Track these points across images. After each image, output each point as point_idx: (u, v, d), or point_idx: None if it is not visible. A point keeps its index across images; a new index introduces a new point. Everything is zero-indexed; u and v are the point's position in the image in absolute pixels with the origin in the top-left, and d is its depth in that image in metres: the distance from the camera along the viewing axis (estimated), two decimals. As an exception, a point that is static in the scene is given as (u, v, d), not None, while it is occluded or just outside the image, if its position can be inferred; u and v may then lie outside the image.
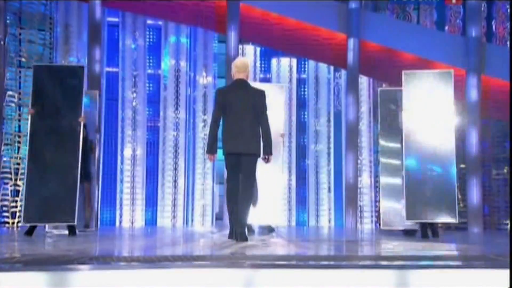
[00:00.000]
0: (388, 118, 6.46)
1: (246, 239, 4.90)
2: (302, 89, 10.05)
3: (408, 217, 5.70)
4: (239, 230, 4.88)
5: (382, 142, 6.51)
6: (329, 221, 9.59)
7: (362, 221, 9.48)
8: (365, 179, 9.68)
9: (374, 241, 5.41)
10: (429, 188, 5.75)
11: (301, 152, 9.77)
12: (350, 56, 9.01)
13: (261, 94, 5.05)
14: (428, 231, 5.78)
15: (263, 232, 6.47)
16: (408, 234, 6.13)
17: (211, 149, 5.11)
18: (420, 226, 5.84)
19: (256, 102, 4.98)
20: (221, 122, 5.07)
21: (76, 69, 5.87)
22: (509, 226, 5.49)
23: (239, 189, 4.99)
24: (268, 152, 5.05)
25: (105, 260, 3.00)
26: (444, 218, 5.69)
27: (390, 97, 6.48)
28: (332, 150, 9.71)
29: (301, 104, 9.97)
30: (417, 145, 5.85)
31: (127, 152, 9.14)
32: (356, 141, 9.21)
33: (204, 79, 9.40)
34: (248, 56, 9.75)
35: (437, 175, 5.77)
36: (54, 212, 5.39)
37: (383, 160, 6.45)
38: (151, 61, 9.60)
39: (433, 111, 5.84)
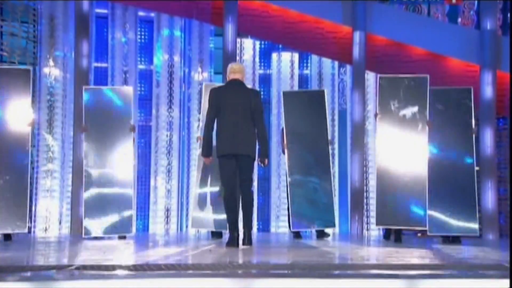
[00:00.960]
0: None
1: (252, 243, 4.99)
2: (305, 86, 10.09)
3: (377, 223, 6.35)
4: (247, 233, 4.97)
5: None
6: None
7: (369, 227, 9.52)
8: (372, 183, 9.73)
9: (381, 248, 5.46)
10: (399, 194, 6.31)
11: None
12: (356, 51, 9.05)
13: (257, 94, 5.21)
14: (392, 236, 6.45)
15: (319, 236, 6.80)
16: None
17: (207, 152, 5.21)
18: (387, 231, 6.54)
19: (252, 102, 5.11)
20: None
21: (22, 72, 6.21)
22: (509, 227, 5.83)
23: (237, 195, 5.09)
24: (265, 155, 5.17)
25: (91, 268, 3.05)
26: (413, 225, 6.33)
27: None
28: (336, 151, 9.76)
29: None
30: (388, 150, 6.39)
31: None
32: (362, 142, 9.25)
33: (200, 75, 9.45)
34: (246, 51, 9.79)
35: (407, 181, 6.30)
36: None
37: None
38: (142, 56, 9.64)
39: (407, 118, 6.44)
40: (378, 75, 6.88)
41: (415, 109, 6.45)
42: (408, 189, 6.28)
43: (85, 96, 6.70)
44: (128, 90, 6.92)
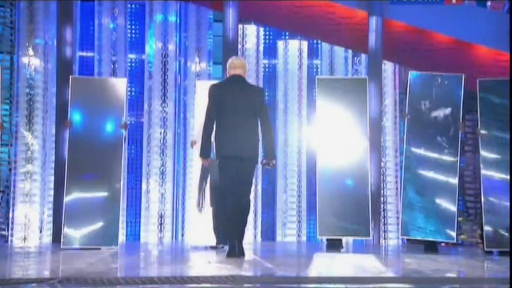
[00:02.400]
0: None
1: (244, 254, 5.04)
2: (314, 77, 10.04)
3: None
4: (237, 243, 5.02)
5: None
6: (347, 236, 9.62)
7: (386, 235, 9.51)
8: (390, 186, 9.71)
9: (401, 257, 5.47)
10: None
11: (313, 153, 9.79)
12: (372, 38, 9.02)
13: (260, 92, 5.34)
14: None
15: (333, 246, 6.70)
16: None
17: (206, 153, 5.27)
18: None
19: (255, 101, 5.22)
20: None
21: None
22: (509, 230, 5.97)
23: (237, 196, 5.18)
24: (272, 156, 5.23)
25: (81, 282, 3.06)
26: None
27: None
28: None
29: (313, 94, 10.00)
30: (417, 154, 6.56)
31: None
32: (379, 140, 9.23)
33: (197, 66, 9.44)
34: (249, 39, 9.78)
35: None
36: None
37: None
38: (133, 44, 9.64)
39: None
40: (409, 71, 6.91)
41: (447, 110, 6.52)
42: (439, 197, 6.37)
43: (71, 88, 6.71)
44: (121, 82, 6.94)
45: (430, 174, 6.47)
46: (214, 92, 5.29)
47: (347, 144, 6.87)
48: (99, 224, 6.53)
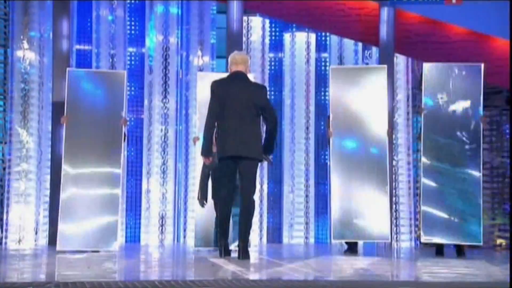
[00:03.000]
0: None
1: (249, 257, 5.09)
2: (323, 71, 10.06)
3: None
4: (241, 245, 5.09)
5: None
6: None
7: (399, 237, 9.49)
8: (402, 185, 9.68)
9: (414, 261, 5.44)
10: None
11: (321, 150, 9.78)
12: (383, 30, 9.01)
13: (263, 90, 5.42)
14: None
15: (349, 250, 6.57)
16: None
17: (208, 151, 5.34)
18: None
19: (258, 98, 5.29)
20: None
21: None
22: (510, 232, 5.88)
23: (233, 198, 5.38)
24: (270, 151, 5.35)
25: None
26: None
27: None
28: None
29: (321, 89, 9.99)
30: (435, 152, 6.47)
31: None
32: (391, 138, 9.20)
33: (200, 60, 9.43)
34: (254, 31, 9.77)
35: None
36: None
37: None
38: (132, 37, 9.63)
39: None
40: (422, 64, 6.76)
41: (467, 103, 6.42)
42: (461, 198, 6.27)
43: (67, 81, 6.68)
44: (120, 75, 6.90)
45: (450, 172, 6.36)
46: (216, 88, 5.35)
47: (364, 140, 6.68)
48: (97, 226, 6.51)
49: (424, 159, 6.47)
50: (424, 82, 6.55)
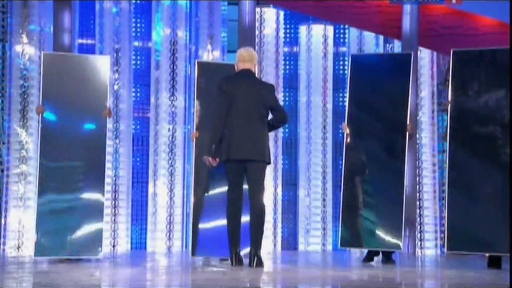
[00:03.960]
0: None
1: (262, 264, 5.13)
2: (341, 67, 10.04)
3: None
4: (253, 252, 5.13)
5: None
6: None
7: (423, 244, 9.45)
8: (426, 189, 9.64)
9: (440, 271, 5.41)
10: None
11: (339, 150, 9.74)
12: (406, 22, 8.97)
13: (272, 90, 5.53)
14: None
15: (385, 260, 6.41)
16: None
17: (215, 151, 5.39)
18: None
19: (267, 98, 5.39)
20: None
21: None
22: (509, 232, 5.60)
23: (241, 202, 5.46)
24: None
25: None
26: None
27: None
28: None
29: (339, 86, 9.97)
30: (463, 151, 6.14)
31: (108, 151, 9.18)
32: (415, 138, 9.16)
33: (209, 54, 9.44)
34: (268, 23, 9.74)
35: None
36: None
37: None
38: (138, 30, 9.65)
39: None
40: (452, 50, 6.25)
41: (500, 93, 5.99)
42: (493, 201, 5.88)
43: (42, 66, 6.47)
44: (103, 60, 6.76)
45: (482, 173, 6.04)
46: (227, 86, 5.41)
47: (382, 137, 6.55)
48: (80, 232, 6.28)
49: (451, 160, 6.13)
50: (452, 71, 6.19)
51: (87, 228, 6.31)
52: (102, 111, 6.49)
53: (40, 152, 6.40)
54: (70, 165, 6.42)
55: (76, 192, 6.39)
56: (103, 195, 6.45)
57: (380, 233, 6.37)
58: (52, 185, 6.36)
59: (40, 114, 6.39)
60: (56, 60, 6.74)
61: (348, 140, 6.54)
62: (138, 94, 9.66)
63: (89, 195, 6.39)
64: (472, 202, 6.03)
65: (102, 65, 6.66)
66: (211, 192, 6.49)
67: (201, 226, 6.43)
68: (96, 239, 6.29)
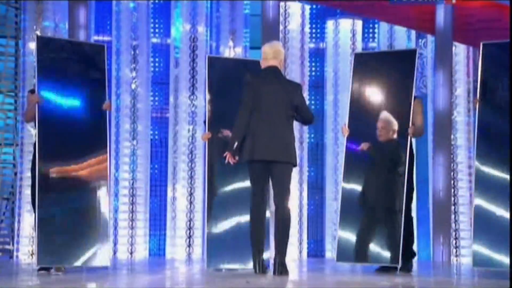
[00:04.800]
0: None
1: (287, 272, 5.11)
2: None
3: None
4: (278, 260, 5.13)
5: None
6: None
7: (458, 252, 9.37)
8: (462, 193, 9.55)
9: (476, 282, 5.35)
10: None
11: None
12: (441, 16, 8.92)
13: (299, 88, 5.57)
14: None
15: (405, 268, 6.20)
16: None
17: (235, 148, 5.38)
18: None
19: (294, 99, 5.42)
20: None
21: None
22: (509, 231, 5.44)
23: (266, 206, 5.49)
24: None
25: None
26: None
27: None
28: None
29: (369, 84, 9.91)
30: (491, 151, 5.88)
31: (125, 152, 9.26)
32: (449, 138, 9.09)
33: (231, 51, 9.45)
34: (293, 18, 9.70)
35: None
36: None
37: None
38: (157, 26, 9.69)
39: None
40: (482, 43, 6.00)
41: None
42: None
43: (36, 52, 6.12)
44: (99, 49, 6.46)
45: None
46: (252, 83, 5.43)
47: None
48: (81, 239, 6.00)
49: (477, 164, 5.85)
50: (482, 66, 5.97)
51: (92, 235, 6.04)
52: (100, 106, 6.20)
53: (39, 151, 5.94)
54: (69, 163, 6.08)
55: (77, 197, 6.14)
56: (109, 196, 6.24)
57: (376, 246, 6.17)
58: (53, 189, 6.01)
59: (38, 104, 5.94)
60: (51, 45, 6.37)
61: (347, 143, 6.40)
62: (157, 94, 9.69)
63: (94, 197, 6.11)
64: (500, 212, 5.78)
65: (97, 54, 6.38)
66: (223, 194, 6.40)
67: (215, 231, 6.33)
68: (102, 245, 6.04)
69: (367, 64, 6.64)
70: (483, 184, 5.82)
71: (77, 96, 6.21)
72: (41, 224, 5.84)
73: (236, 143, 5.36)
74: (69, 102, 6.17)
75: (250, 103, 5.35)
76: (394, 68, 6.51)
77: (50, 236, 5.87)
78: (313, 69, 9.95)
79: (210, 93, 6.47)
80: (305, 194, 9.48)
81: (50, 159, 5.96)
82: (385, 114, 6.31)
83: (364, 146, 6.30)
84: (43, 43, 6.34)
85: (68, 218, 6.03)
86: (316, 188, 9.77)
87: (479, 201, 5.86)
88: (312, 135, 9.89)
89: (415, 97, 6.23)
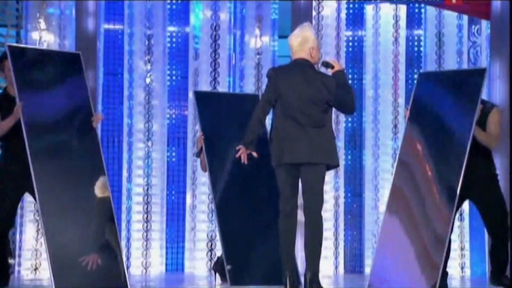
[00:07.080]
0: None
1: None
2: (415, 53, 9.95)
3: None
4: (310, 276, 5.14)
5: None
6: (462, 268, 9.50)
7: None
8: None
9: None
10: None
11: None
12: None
13: (332, 83, 5.51)
14: None
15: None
16: None
17: (249, 140, 5.45)
18: None
19: (328, 94, 5.44)
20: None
21: None
22: (509, 229, 5.48)
23: (297, 215, 5.47)
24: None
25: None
26: None
27: None
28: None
29: (414, 76, 9.91)
30: None
31: (138, 155, 9.33)
32: (507, 139, 9.04)
33: (257, 40, 9.49)
34: (328, 3, 9.64)
35: None
36: None
37: None
38: (174, 13, 9.74)
39: None
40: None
41: None
42: None
43: (11, 62, 6.12)
44: (74, 57, 6.59)
45: None
46: (275, 76, 5.50)
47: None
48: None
49: None
50: None
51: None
52: (89, 119, 6.34)
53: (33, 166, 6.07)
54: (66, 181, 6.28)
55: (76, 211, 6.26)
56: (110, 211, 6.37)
57: None
58: (53, 203, 6.19)
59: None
60: (27, 54, 6.41)
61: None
62: (175, 89, 9.73)
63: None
64: None
65: (73, 61, 6.50)
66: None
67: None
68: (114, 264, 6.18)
69: (429, 83, 6.75)
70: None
71: (63, 128, 6.26)
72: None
73: (250, 138, 5.41)
74: (57, 135, 6.23)
75: (271, 98, 5.43)
76: (457, 88, 6.61)
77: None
78: (351, 59, 9.87)
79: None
80: (341, 201, 9.41)
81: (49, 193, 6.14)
82: None
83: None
84: (17, 53, 6.29)
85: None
86: (354, 194, 9.72)
87: None
88: (349, 133, 9.83)
89: (493, 105, 6.36)
